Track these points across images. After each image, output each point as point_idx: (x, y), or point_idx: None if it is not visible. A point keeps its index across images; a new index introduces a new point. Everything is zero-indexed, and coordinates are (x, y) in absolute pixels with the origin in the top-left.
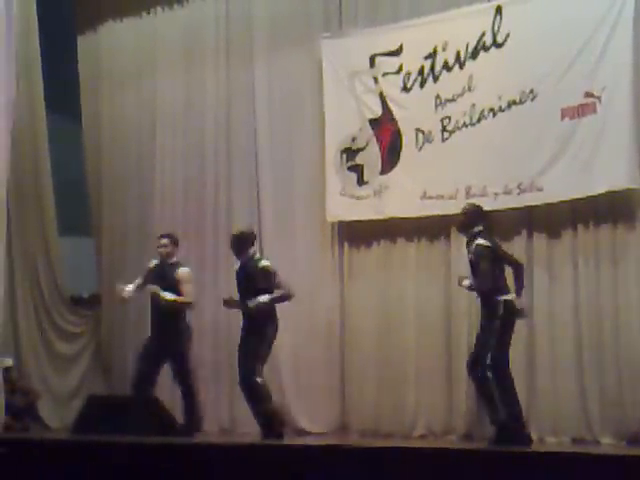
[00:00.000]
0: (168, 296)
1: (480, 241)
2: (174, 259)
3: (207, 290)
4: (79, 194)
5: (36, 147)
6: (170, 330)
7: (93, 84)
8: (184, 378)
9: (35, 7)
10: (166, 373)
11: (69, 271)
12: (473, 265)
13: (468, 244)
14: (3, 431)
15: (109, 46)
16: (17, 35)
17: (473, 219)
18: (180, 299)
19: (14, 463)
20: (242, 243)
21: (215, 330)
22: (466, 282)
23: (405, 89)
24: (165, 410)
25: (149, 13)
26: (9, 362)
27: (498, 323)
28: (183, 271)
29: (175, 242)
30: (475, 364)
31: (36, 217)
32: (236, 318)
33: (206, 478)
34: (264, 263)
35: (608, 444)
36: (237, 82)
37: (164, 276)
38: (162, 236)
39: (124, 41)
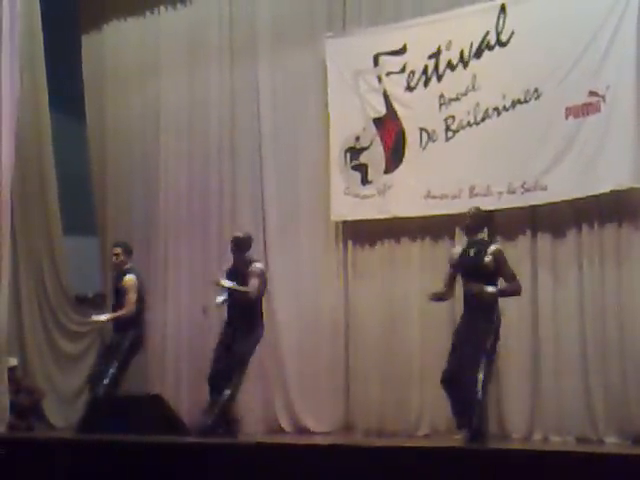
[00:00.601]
0: (102, 318)
1: (496, 246)
2: (127, 266)
3: (211, 290)
4: (84, 193)
5: (40, 146)
6: (118, 334)
7: (97, 83)
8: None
9: (39, 6)
10: (171, 372)
11: (74, 270)
12: (487, 268)
13: (473, 246)
14: (8, 430)
15: (113, 45)
16: (21, 34)
17: (478, 223)
18: (116, 315)
19: (18, 462)
20: (244, 245)
21: (219, 328)
22: (491, 289)
23: (409, 88)
24: (170, 409)
25: (153, 12)
26: (14, 362)
27: (493, 329)
28: (126, 279)
29: (127, 251)
30: (472, 369)
31: (41, 216)
32: None
33: (210, 476)
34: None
35: (613, 443)
36: (241, 81)
37: (117, 284)
38: (115, 245)
39: (128, 40)
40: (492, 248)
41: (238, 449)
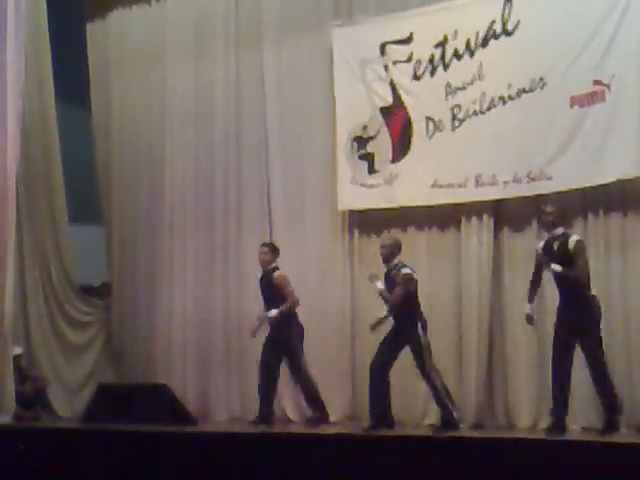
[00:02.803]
0: (273, 313)
1: (577, 237)
2: (272, 265)
3: (217, 280)
4: (89, 182)
5: (46, 135)
6: (283, 330)
7: (103, 72)
8: (297, 373)
9: None
10: (177, 362)
11: (80, 260)
12: (567, 257)
13: (556, 240)
14: (14, 420)
15: (118, 33)
16: (26, 23)
17: (558, 220)
18: (284, 309)
19: (25, 452)
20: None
21: (225, 319)
22: (556, 267)
23: (416, 77)
24: (175, 398)
25: (159, 0)
26: (18, 350)
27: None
28: (276, 275)
29: (274, 250)
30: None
31: (46, 205)
32: (244, 308)
33: (216, 466)
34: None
35: (618, 432)
36: (247, 70)
37: (267, 284)
38: (263, 245)
39: (134, 29)
40: (572, 239)
41: (243, 438)
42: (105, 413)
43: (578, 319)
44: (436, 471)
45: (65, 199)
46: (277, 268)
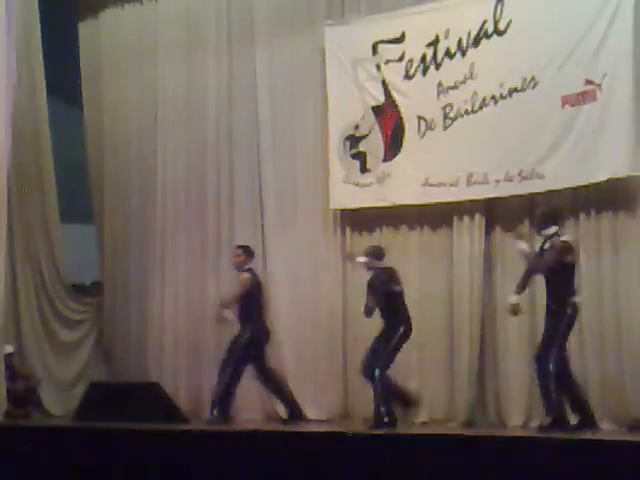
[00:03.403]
0: (226, 315)
1: (564, 238)
2: (245, 267)
3: (209, 277)
4: (81, 180)
5: (37, 133)
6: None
7: (94, 70)
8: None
9: None
10: (169, 361)
11: (71, 258)
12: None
13: (546, 241)
14: (5, 418)
15: (110, 32)
16: (18, 21)
17: (547, 220)
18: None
19: (16, 450)
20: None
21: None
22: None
23: (407, 76)
24: (167, 396)
25: None
26: (10, 349)
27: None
28: (240, 277)
29: (248, 253)
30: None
31: (38, 204)
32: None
33: (208, 465)
34: None
35: (608, 430)
36: (239, 69)
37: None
38: (237, 247)
39: (125, 27)
40: (558, 241)
41: (235, 437)
42: (96, 411)
43: (549, 321)
44: (429, 469)
45: (57, 198)
46: (249, 270)
